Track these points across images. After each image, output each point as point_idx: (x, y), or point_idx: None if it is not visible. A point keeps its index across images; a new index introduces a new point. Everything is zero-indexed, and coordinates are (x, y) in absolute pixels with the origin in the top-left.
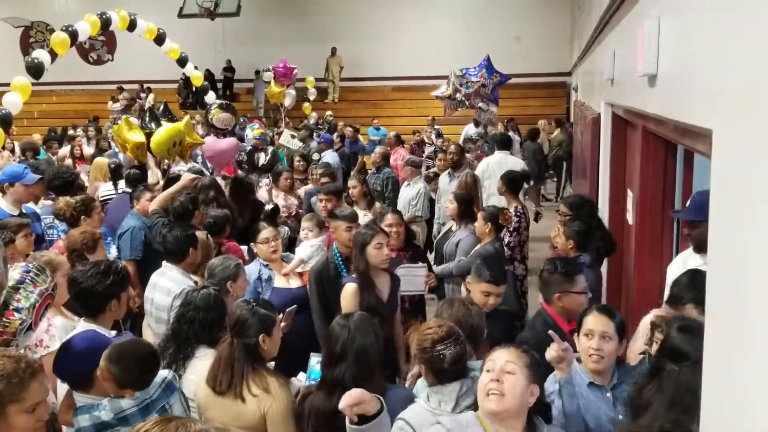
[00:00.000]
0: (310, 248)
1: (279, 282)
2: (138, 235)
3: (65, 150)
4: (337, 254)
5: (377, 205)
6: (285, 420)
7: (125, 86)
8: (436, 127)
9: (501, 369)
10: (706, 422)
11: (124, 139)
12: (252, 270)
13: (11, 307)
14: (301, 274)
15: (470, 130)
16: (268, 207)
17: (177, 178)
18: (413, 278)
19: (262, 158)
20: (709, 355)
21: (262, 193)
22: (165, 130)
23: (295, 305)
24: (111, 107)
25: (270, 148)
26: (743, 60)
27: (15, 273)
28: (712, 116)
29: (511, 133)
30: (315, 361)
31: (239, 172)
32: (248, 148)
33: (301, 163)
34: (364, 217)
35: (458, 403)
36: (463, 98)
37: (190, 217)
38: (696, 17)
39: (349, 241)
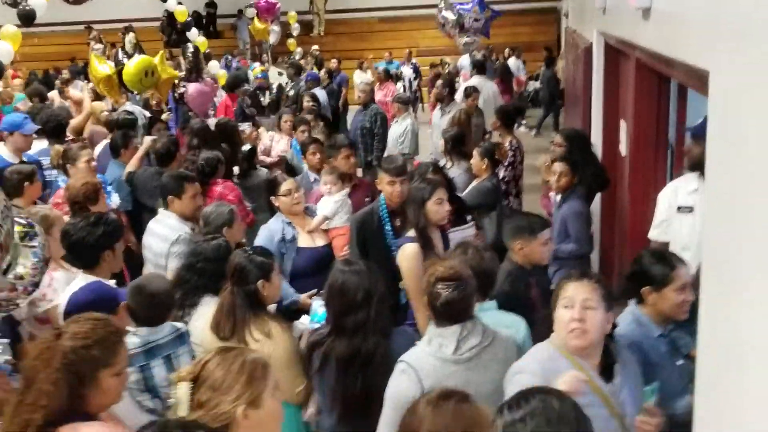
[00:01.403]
0: (333, 204)
1: (303, 241)
2: (124, 185)
3: (53, 93)
4: (384, 207)
5: None
6: (288, 364)
7: (106, 26)
8: (414, 61)
9: (581, 306)
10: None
11: (95, 73)
12: (275, 229)
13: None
14: (325, 231)
15: (464, 60)
16: (245, 148)
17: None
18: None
19: (267, 97)
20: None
21: (266, 138)
22: (135, 62)
23: (315, 290)
24: (94, 47)
25: (275, 85)
26: None
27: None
28: (710, 57)
29: (513, 60)
30: (318, 304)
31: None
32: (250, 88)
33: (311, 103)
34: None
35: (459, 346)
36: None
37: (171, 159)
38: None
39: (393, 195)
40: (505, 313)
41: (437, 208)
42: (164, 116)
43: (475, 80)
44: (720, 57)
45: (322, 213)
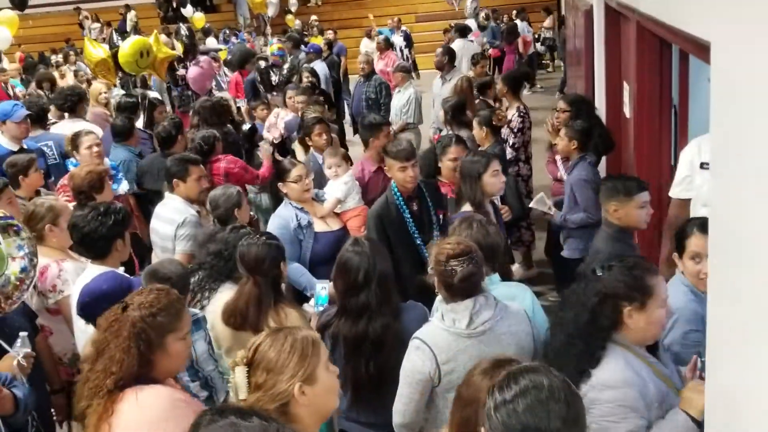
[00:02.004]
0: (343, 186)
1: (318, 226)
2: (132, 168)
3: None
4: (398, 194)
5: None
6: None
7: (102, 4)
8: (404, 29)
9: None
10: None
11: (90, 57)
12: (286, 216)
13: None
14: (336, 215)
15: (470, 24)
16: (245, 127)
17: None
18: None
19: (279, 75)
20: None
21: (271, 115)
22: (130, 43)
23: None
24: (91, 27)
25: (286, 65)
26: None
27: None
28: (711, 27)
29: (519, 23)
30: (320, 287)
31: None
32: (262, 65)
33: (311, 79)
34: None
35: (472, 320)
36: None
37: (173, 142)
38: None
39: (406, 180)
40: (509, 284)
41: (494, 180)
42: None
43: (458, 44)
44: (722, 27)
45: (333, 196)
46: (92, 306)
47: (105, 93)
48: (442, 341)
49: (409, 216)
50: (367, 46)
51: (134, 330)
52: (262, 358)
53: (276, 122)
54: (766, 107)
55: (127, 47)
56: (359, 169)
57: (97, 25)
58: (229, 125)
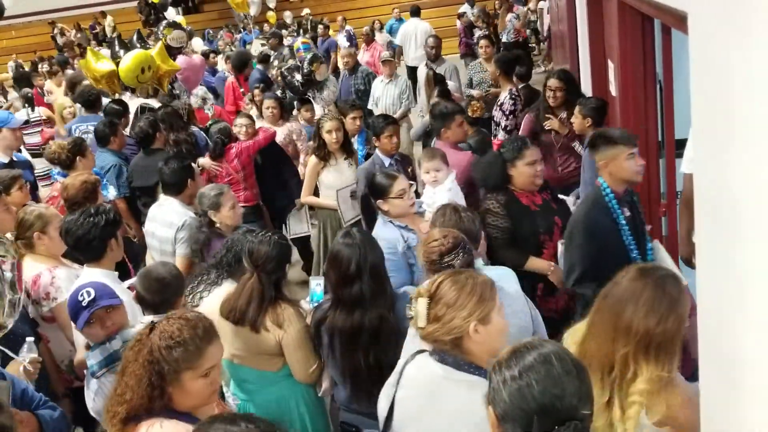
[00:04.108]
0: (447, 193)
1: None
2: (123, 171)
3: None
4: (611, 194)
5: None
6: (300, 345)
7: (82, 10)
8: (348, 28)
9: None
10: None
11: (93, 72)
12: (392, 238)
13: None
14: None
15: (466, 9)
16: (218, 126)
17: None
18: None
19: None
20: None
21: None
22: (131, 57)
23: None
24: (75, 38)
25: (305, 63)
26: None
27: None
28: None
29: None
30: (315, 284)
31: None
32: (289, 64)
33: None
34: (349, 167)
35: None
36: None
37: (152, 139)
38: None
39: (635, 173)
40: (493, 267)
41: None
42: None
43: (412, 22)
44: None
45: (437, 206)
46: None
47: (69, 108)
48: None
49: (624, 223)
50: (377, 38)
51: (149, 358)
52: (444, 294)
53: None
54: (741, 76)
55: (129, 61)
56: None
57: (79, 36)
58: (194, 127)
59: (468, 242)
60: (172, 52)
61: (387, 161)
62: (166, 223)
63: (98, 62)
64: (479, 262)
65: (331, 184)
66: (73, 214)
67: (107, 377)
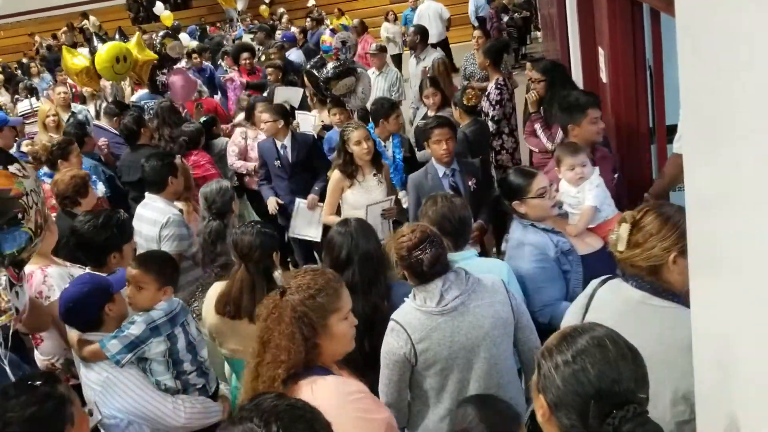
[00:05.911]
0: (595, 189)
1: (579, 248)
2: (99, 172)
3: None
4: None
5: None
6: None
7: (70, 9)
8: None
9: None
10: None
11: (69, 69)
12: (542, 245)
13: None
14: (591, 229)
15: (479, 1)
16: (202, 119)
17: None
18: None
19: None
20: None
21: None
22: (106, 48)
23: None
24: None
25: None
26: None
27: None
28: None
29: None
30: None
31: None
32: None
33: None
34: (378, 185)
35: (443, 297)
36: None
37: (138, 135)
38: None
39: None
40: (485, 258)
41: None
42: None
43: (426, 3)
44: None
45: (588, 204)
46: (72, 309)
47: (53, 117)
48: (415, 321)
49: None
50: (388, 30)
51: (295, 314)
52: (647, 224)
53: (246, 145)
54: (728, 59)
55: (104, 52)
56: None
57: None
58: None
59: (436, 233)
60: (170, 61)
61: (441, 171)
62: (151, 221)
63: (74, 58)
64: (472, 252)
65: (357, 203)
66: (84, 215)
67: (129, 368)
